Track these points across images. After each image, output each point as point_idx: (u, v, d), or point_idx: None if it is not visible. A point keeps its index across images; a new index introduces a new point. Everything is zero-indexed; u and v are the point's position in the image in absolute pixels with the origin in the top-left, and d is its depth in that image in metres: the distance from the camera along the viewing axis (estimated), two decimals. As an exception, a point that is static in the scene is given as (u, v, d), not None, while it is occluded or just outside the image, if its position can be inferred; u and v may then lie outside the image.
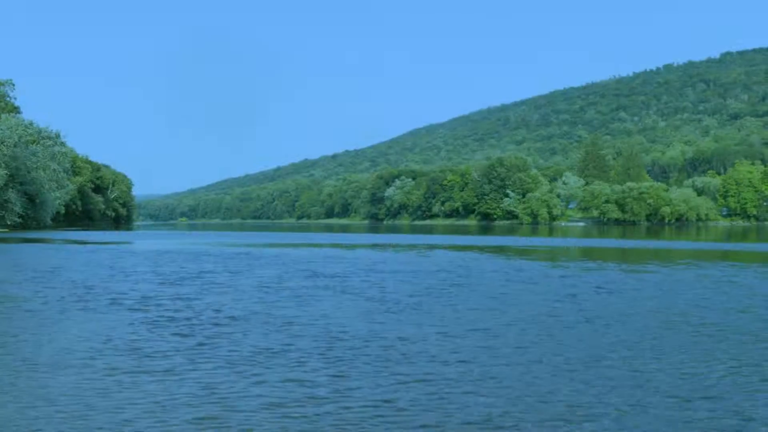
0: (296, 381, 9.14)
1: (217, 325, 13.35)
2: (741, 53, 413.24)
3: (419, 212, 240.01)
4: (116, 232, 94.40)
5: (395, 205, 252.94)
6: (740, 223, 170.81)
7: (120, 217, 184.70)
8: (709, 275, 23.15)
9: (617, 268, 26.18)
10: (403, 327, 13.02)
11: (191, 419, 7.66)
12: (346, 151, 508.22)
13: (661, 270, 25.45)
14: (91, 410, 7.86)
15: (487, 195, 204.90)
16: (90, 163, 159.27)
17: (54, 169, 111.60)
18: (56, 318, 14.25)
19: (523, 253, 38.12)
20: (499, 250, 41.54)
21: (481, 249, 41.78)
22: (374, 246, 46.93)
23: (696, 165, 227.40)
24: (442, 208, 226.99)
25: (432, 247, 45.02)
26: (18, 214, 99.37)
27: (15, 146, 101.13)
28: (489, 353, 10.75)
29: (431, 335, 12.20)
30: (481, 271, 24.90)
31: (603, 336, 12.14)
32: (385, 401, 8.29)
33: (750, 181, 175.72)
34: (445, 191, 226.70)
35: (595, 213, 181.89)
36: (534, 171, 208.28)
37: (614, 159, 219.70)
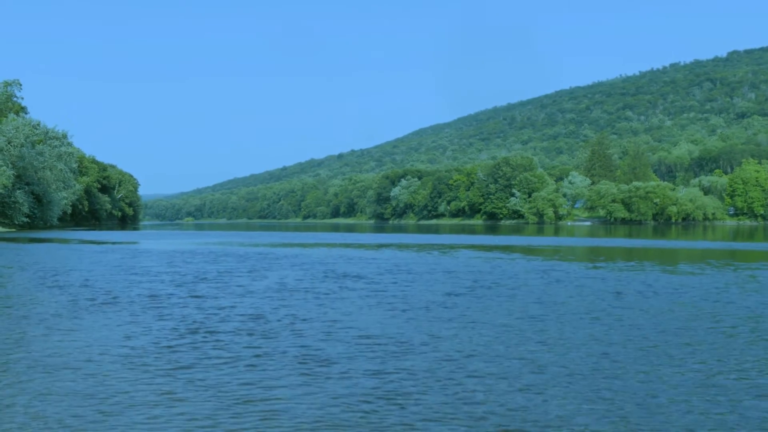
0: (363, 381, 8.53)
1: (255, 326, 12.68)
2: (748, 52, 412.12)
3: (425, 212, 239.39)
4: (124, 232, 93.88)
5: (401, 205, 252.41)
6: (747, 222, 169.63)
7: (126, 217, 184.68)
8: (758, 276, 22.45)
9: (653, 269, 25.43)
10: (461, 329, 12.33)
11: (252, 419, 7.40)
12: (352, 150, 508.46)
13: (697, 270, 24.73)
14: (145, 410, 7.23)
15: (493, 194, 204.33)
16: (96, 163, 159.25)
17: (61, 169, 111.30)
18: (86, 320, 13.58)
19: (546, 252, 37.32)
20: (520, 250, 40.84)
21: (510, 249, 41.09)
22: (392, 246, 46.17)
23: (703, 164, 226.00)
24: (448, 208, 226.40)
25: (451, 247, 44.28)
26: (25, 213, 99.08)
27: (22, 146, 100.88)
28: (556, 354, 10.08)
29: (490, 337, 11.51)
30: (518, 271, 24.18)
31: (671, 340, 11.46)
32: (460, 400, 8.09)
33: (757, 180, 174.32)
34: (451, 191, 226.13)
35: (602, 212, 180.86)
36: (540, 170, 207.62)
37: (620, 158, 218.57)
